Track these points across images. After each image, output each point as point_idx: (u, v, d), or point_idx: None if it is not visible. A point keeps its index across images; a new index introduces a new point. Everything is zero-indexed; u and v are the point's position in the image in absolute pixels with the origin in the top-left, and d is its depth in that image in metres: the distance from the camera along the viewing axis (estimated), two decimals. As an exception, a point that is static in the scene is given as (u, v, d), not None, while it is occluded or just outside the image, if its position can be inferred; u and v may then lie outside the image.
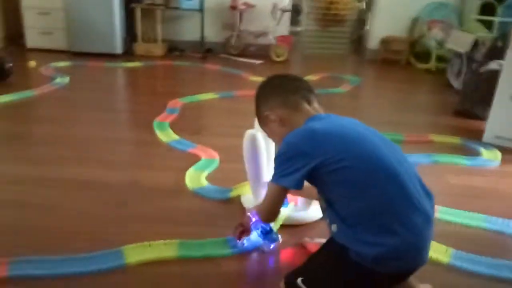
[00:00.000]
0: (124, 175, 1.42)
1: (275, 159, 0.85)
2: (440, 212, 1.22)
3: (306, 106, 0.89)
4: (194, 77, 3.21)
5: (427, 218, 0.77)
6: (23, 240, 1.04)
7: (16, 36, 3.60)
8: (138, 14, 3.52)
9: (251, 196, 1.22)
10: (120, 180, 1.37)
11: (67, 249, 0.98)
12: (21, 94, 2.27)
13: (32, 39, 3.49)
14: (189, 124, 2.01)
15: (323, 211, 0.93)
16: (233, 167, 1.46)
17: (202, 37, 3.74)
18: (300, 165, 0.80)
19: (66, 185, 1.33)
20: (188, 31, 3.90)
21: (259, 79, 2.97)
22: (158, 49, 3.64)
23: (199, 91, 2.53)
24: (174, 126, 1.89)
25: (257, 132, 1.10)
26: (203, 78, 3.24)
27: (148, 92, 2.70)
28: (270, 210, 0.89)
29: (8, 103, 2.14)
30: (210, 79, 3.19)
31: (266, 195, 0.90)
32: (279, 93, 0.91)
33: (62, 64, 3.08)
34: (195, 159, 1.55)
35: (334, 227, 0.81)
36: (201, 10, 3.64)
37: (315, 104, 0.91)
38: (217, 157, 1.57)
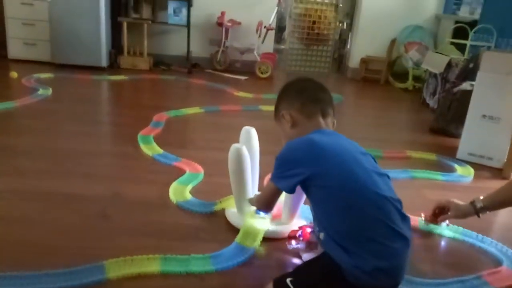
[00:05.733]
0: (107, 188, 1.40)
1: (276, 159, 0.90)
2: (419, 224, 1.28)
3: (320, 118, 0.94)
4: (180, 91, 3.22)
5: (406, 241, 0.81)
6: (0, 255, 1.01)
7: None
8: (124, 27, 3.55)
9: (235, 210, 1.23)
10: (102, 193, 1.36)
11: (47, 264, 0.96)
12: (2, 105, 2.23)
13: (14, 50, 3.45)
14: (174, 138, 2.01)
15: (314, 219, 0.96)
16: (218, 181, 1.47)
17: (188, 52, 3.79)
18: (295, 172, 0.85)
19: (47, 198, 1.30)
20: (175, 46, 3.94)
21: (244, 94, 3.03)
22: (144, 63, 3.65)
23: (184, 105, 2.54)
24: (158, 140, 1.89)
25: (242, 146, 1.13)
26: (188, 92, 3.26)
27: (133, 106, 2.69)
28: (265, 203, 1.01)
29: (-12, 114, 2.10)
30: (195, 94, 3.22)
31: (264, 190, 1.00)
32: (301, 98, 0.95)
33: (45, 75, 3.04)
34: (179, 172, 1.56)
35: (322, 235, 0.85)
36: (187, 25, 3.70)
37: (329, 119, 0.96)
38: (201, 171, 1.58)
